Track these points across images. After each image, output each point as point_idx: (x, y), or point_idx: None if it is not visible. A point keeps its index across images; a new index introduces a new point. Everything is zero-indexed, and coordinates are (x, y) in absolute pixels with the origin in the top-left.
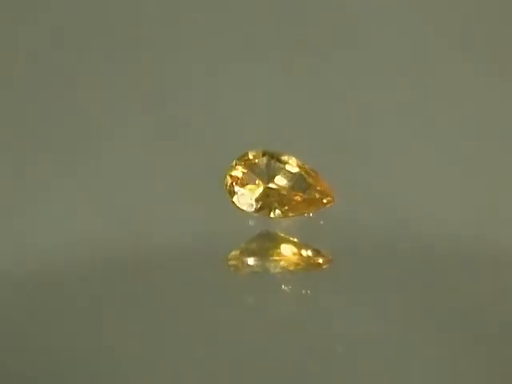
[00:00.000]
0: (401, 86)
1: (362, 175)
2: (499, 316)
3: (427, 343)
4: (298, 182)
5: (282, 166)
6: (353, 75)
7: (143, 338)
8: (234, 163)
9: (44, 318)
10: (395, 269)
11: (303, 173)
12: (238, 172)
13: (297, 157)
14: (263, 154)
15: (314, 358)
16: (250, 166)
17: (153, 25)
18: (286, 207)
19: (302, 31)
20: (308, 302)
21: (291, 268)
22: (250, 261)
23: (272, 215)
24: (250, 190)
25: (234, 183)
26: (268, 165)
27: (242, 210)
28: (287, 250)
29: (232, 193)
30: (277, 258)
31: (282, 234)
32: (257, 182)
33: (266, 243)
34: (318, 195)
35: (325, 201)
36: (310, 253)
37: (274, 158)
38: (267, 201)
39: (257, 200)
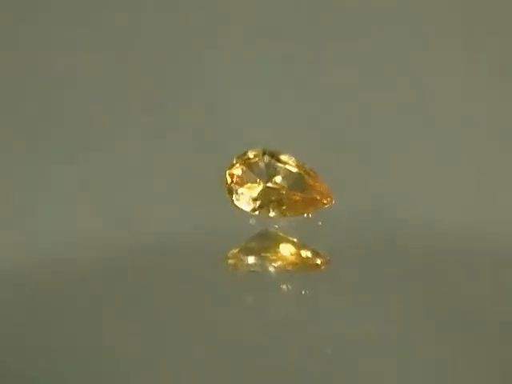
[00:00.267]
0: (400, 86)
1: (361, 175)
2: (499, 316)
3: (427, 343)
4: (297, 181)
5: (281, 165)
6: (353, 75)
7: (143, 337)
8: (233, 162)
9: (44, 318)
10: (395, 269)
11: (302, 173)
12: (238, 170)
13: (296, 157)
14: (263, 154)
15: (312, 358)
16: (250, 165)
17: (153, 24)
18: (285, 207)
19: (302, 31)
20: (307, 302)
21: (289, 268)
22: (249, 260)
23: (271, 214)
24: (249, 188)
25: (233, 182)
26: (268, 164)
27: (241, 209)
28: (286, 250)
29: (231, 191)
30: (275, 257)
31: (282, 234)
32: (256, 180)
33: (265, 242)
34: (316, 195)
35: (324, 201)
36: (308, 253)
37: (274, 157)
38: (266, 200)
39: (256, 199)
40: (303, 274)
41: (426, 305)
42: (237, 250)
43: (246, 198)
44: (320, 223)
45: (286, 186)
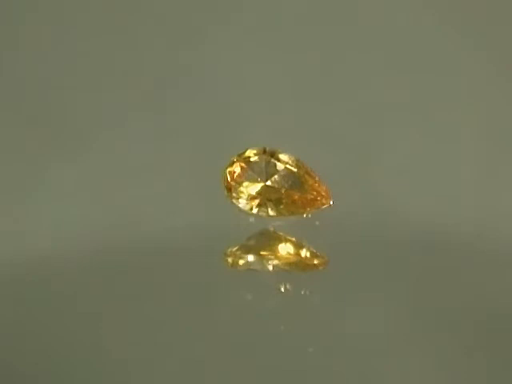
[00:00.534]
0: (400, 87)
1: (360, 175)
2: (500, 315)
3: (426, 343)
4: (297, 181)
5: (281, 164)
6: (353, 75)
7: (142, 334)
8: (233, 159)
9: (44, 318)
10: (394, 269)
11: (302, 172)
12: (237, 168)
13: (296, 156)
14: (263, 152)
15: (311, 357)
16: (249, 164)
17: (153, 24)
18: (283, 206)
19: (302, 31)
20: (305, 302)
21: (287, 268)
22: (248, 258)
23: (269, 213)
24: (248, 187)
25: (232, 180)
26: (267, 163)
27: (240, 208)
28: (284, 250)
29: (230, 189)
30: (274, 256)
31: (281, 233)
32: (255, 179)
33: (264, 241)
34: (315, 196)
35: (322, 202)
36: (306, 253)
37: (274, 156)
38: (265, 199)
39: (255, 197)
40: (301, 274)
41: (425, 305)
42: (235, 248)
43: (245, 196)
44: (318, 223)
45: (285, 186)
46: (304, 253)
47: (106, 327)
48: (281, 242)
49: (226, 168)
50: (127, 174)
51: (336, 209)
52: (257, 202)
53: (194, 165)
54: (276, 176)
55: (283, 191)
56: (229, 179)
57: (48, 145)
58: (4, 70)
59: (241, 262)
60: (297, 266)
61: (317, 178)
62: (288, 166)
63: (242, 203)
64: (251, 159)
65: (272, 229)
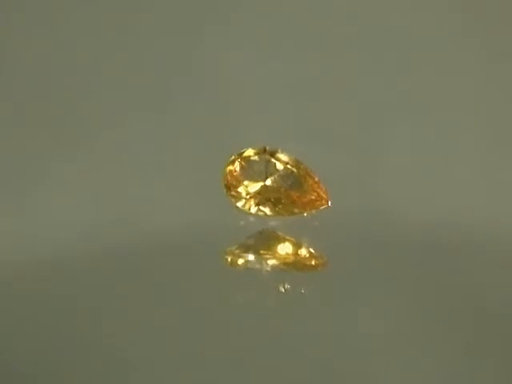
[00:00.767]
0: (400, 87)
1: (360, 175)
2: (500, 315)
3: (426, 343)
4: (296, 181)
5: (280, 164)
6: (353, 75)
7: (141, 333)
8: (232, 159)
9: (43, 318)
10: (393, 269)
11: (301, 173)
12: (237, 167)
13: (296, 156)
14: (263, 152)
15: (309, 357)
16: (249, 163)
17: (154, 24)
18: (282, 206)
19: (303, 30)
20: (304, 302)
21: (286, 267)
22: (247, 257)
23: (268, 213)
24: (247, 186)
25: (231, 178)
26: (267, 163)
27: (239, 207)
28: (283, 249)
29: (229, 188)
30: (272, 256)
31: (280, 233)
32: (255, 178)
33: (264, 241)
34: (314, 196)
35: (321, 202)
36: (305, 254)
37: (274, 156)
38: (264, 198)
39: (254, 197)
40: (300, 274)
41: (425, 305)
42: (234, 247)
43: (243, 195)
44: (317, 223)
45: (285, 185)
46: (303, 253)
47: (105, 326)
48: (280, 241)
49: (226, 167)
50: (127, 173)
51: (335, 209)
52: (256, 201)
53: (194, 164)
54: (275, 176)
55: (282, 191)
56: (228, 178)
57: (48, 144)
58: (4, 70)
59: (240, 261)
60: (295, 265)
61: (316, 179)
62: (288, 165)
63: (241, 202)
64: (251, 158)
65: (272, 229)
